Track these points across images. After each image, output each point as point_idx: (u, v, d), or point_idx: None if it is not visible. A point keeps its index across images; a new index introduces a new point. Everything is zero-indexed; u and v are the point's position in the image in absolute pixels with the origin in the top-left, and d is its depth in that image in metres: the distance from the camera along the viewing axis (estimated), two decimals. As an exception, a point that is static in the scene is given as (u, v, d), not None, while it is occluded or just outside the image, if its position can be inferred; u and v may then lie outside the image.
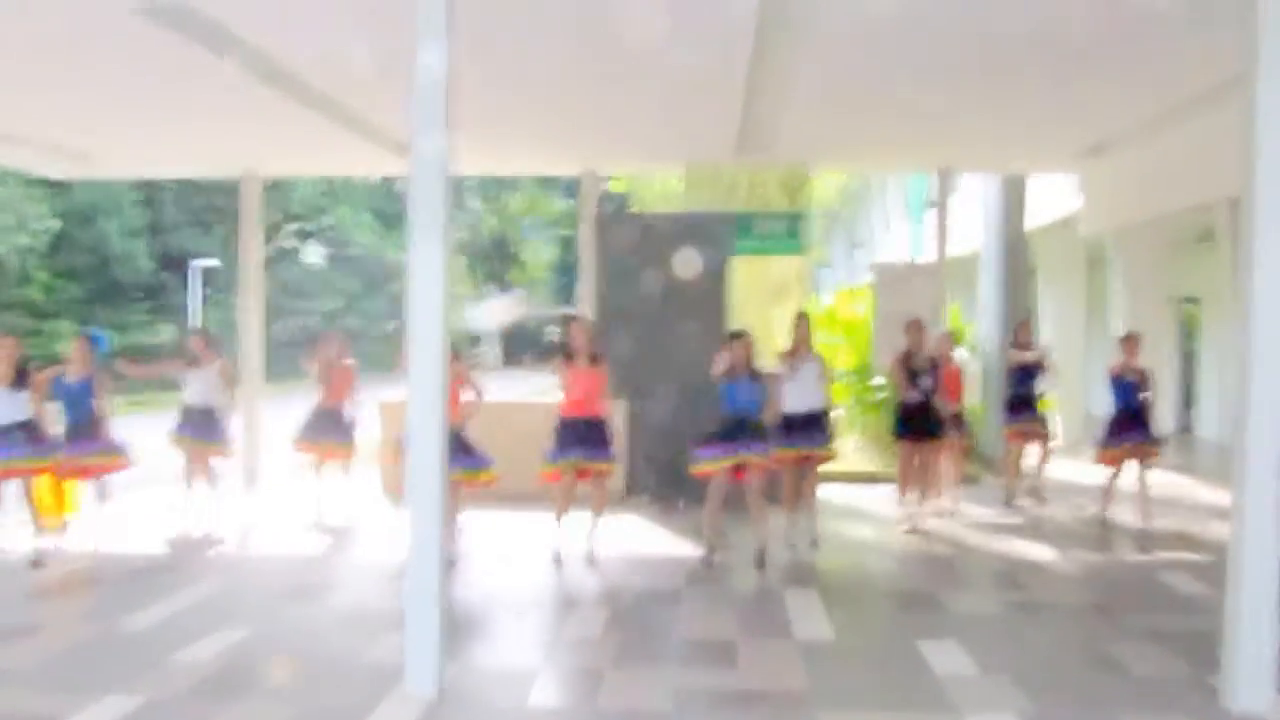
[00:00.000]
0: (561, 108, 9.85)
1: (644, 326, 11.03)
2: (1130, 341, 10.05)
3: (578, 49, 7.92)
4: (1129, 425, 9.83)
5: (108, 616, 6.85)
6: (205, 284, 33.76)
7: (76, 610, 7.33)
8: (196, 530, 9.67)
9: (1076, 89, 9.06)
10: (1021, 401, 11.08)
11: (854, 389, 15.05)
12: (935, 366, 9.91)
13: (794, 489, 9.20)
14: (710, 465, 8.28)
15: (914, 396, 9.72)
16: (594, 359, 8.54)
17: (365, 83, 8.50)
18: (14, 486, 8.45)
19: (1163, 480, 10.89)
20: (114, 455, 9.08)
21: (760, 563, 8.28)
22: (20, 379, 8.35)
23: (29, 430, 8.34)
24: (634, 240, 11.34)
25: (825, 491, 10.29)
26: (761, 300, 12.72)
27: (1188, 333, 19.94)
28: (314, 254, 41.16)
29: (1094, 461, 10.30)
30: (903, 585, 8.15)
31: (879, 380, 14.05)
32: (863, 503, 11.33)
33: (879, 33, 7.43)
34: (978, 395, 13.70)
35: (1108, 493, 10.07)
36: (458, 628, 6.46)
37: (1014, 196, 14.61)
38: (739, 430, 8.25)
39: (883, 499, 11.09)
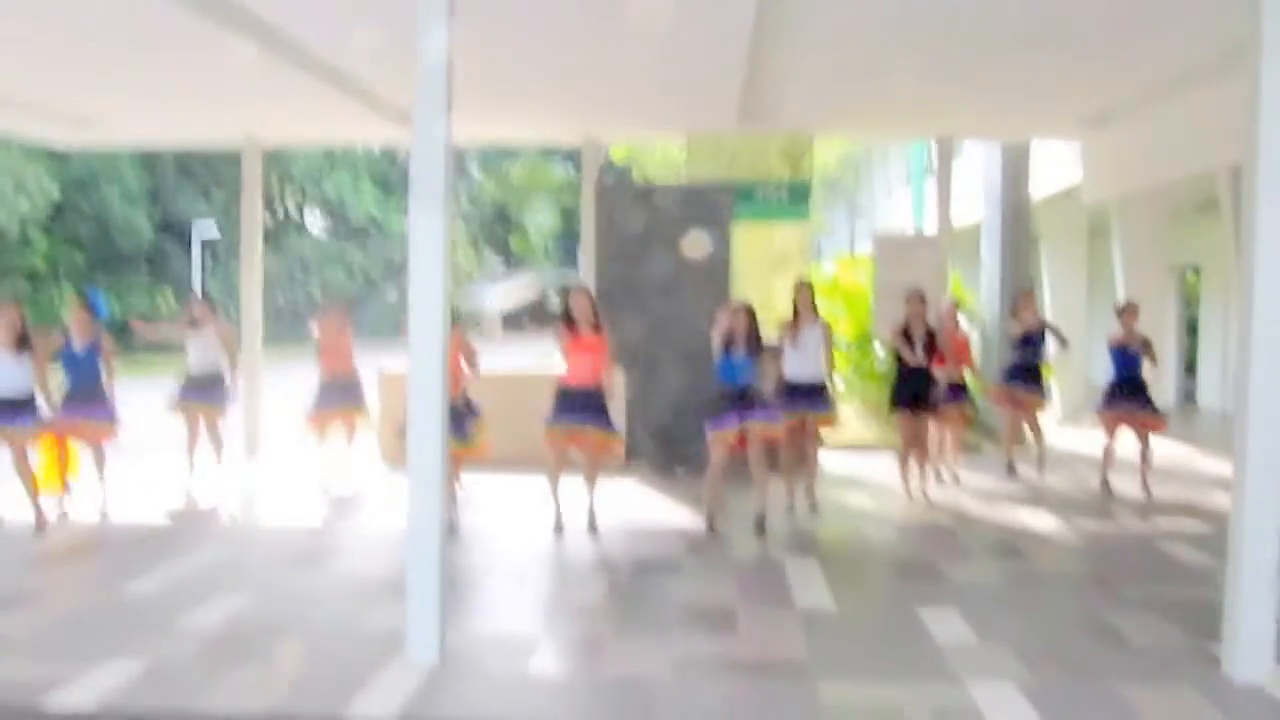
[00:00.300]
0: (562, 74, 9.78)
1: (646, 296, 11.00)
2: (1130, 310, 10.05)
3: (579, 14, 7.86)
4: (1128, 392, 9.87)
5: (110, 583, 6.86)
6: (205, 250, 33.69)
7: (79, 576, 7.34)
8: (199, 496, 9.70)
9: (1080, 58, 8.99)
10: (1019, 369, 11.00)
11: (854, 358, 15.04)
12: (933, 338, 9.88)
13: (794, 456, 9.21)
14: (723, 436, 8.28)
15: (916, 360, 9.67)
16: (596, 328, 8.49)
17: (368, 52, 8.44)
18: (8, 460, 8.42)
19: (1164, 450, 10.89)
20: (106, 425, 9.09)
21: (760, 530, 8.29)
22: (22, 345, 8.32)
23: (23, 404, 8.32)
24: (636, 210, 11.28)
25: (825, 459, 10.29)
26: (763, 269, 12.68)
27: (1189, 302, 19.92)
28: (314, 222, 41.07)
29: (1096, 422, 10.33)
30: (903, 554, 8.17)
31: (879, 350, 14.02)
32: (863, 471, 11.34)
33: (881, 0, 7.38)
34: (978, 365, 13.67)
35: (1106, 458, 10.12)
36: (459, 595, 6.49)
37: (1017, 165, 14.53)
38: (741, 400, 8.24)
39: (883, 468, 11.09)
